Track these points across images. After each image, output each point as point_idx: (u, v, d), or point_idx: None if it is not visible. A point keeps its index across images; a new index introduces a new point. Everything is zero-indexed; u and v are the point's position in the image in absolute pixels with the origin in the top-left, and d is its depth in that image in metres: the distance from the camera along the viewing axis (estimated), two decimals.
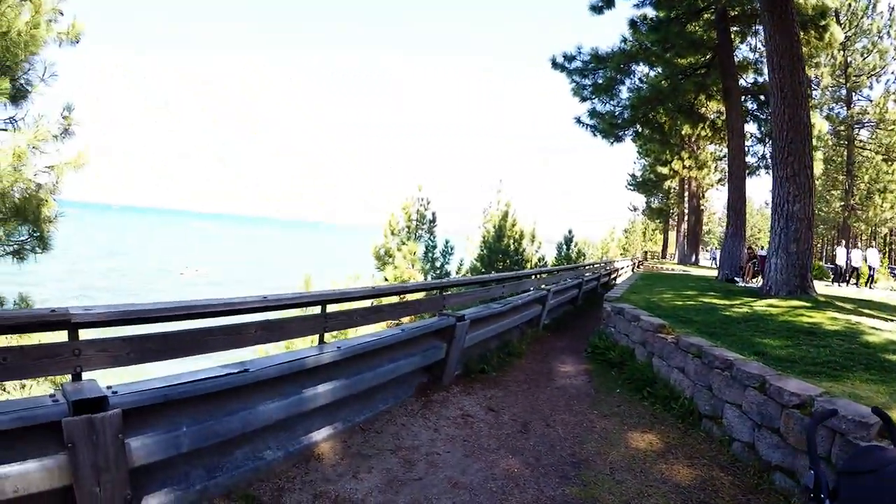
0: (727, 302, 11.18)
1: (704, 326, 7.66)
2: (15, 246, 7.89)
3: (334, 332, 4.90)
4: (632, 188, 47.60)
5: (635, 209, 56.28)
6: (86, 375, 2.82)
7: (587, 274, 16.28)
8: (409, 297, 6.50)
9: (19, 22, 6.75)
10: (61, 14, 7.67)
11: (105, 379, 2.90)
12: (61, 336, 2.76)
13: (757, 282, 17.56)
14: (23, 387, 6.36)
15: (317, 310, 4.10)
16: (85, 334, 2.84)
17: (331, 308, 4.18)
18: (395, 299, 6.58)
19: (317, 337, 4.18)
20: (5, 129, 6.73)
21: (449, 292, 6.27)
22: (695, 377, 5.84)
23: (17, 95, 7.38)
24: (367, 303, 7.23)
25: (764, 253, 15.93)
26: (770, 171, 13.69)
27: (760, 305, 10.46)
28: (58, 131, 7.71)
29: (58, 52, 7.94)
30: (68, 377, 2.79)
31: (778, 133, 12.59)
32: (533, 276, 10.36)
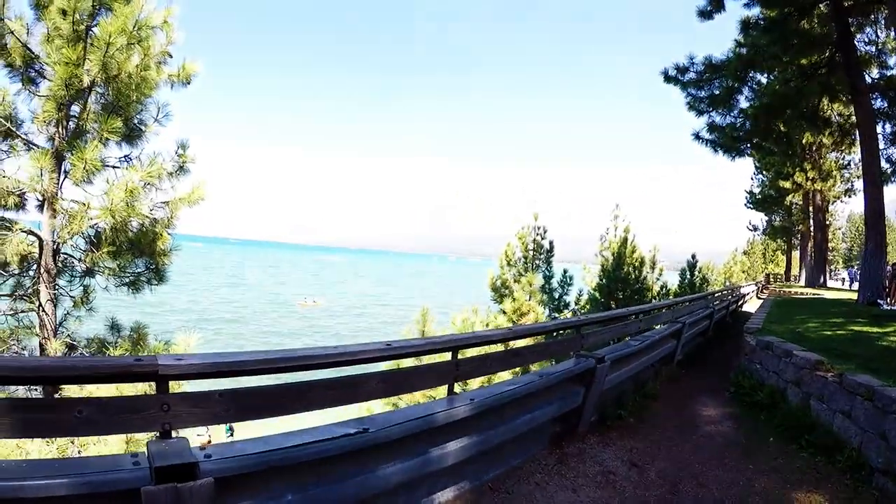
0: (880, 330, 9.76)
1: (865, 361, 6.65)
2: (131, 277, 8.01)
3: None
4: (751, 206, 43.98)
5: (755, 228, 51.91)
6: (176, 434, 2.31)
7: (716, 302, 14.70)
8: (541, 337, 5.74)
9: (129, 65, 6.79)
10: (170, 56, 7.76)
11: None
12: (149, 387, 2.28)
13: None
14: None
15: (446, 356, 3.42)
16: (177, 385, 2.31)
17: (462, 353, 3.49)
18: (529, 340, 5.84)
19: (445, 387, 3.48)
20: (119, 168, 6.71)
21: (588, 330, 5.42)
22: (865, 423, 5.02)
23: (132, 135, 7.49)
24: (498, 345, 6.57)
25: None
26: None
27: None
28: (172, 168, 7.78)
29: (170, 94, 8.12)
30: (155, 434, 2.30)
31: None
32: (666, 308, 9.24)
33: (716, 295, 16.42)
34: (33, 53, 6.60)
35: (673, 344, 8.60)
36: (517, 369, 7.03)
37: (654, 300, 18.19)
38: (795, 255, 47.30)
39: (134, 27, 6.71)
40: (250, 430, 21.33)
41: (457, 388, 3.54)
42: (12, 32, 6.45)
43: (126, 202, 6.32)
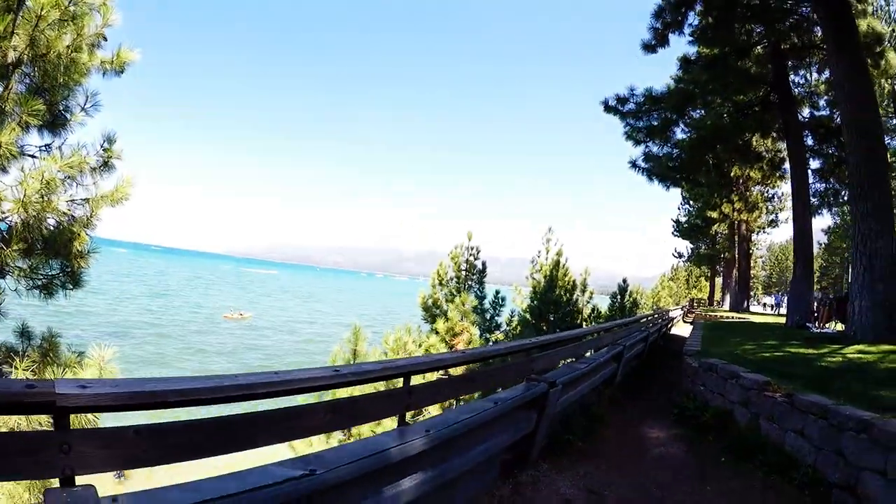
0: (815, 351, 10.13)
1: (808, 381, 6.86)
2: (43, 280, 7.23)
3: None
4: (677, 234, 45.93)
5: (680, 255, 54.21)
6: (82, 479, 1.86)
7: (650, 325, 14.97)
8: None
9: (60, 44, 6.13)
10: (104, 39, 7.10)
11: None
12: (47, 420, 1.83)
13: (831, 326, 16.38)
14: None
15: (397, 382, 3.07)
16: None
17: (415, 380, 3.14)
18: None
19: (395, 417, 3.12)
20: (37, 157, 6.00)
21: (537, 354, 5.19)
22: (819, 441, 5.16)
23: (55, 123, 6.78)
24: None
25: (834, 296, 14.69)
26: (831, 210, 12.74)
27: (851, 352, 9.56)
28: (96, 163, 7.09)
29: (101, 82, 7.41)
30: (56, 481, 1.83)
31: (855, 167, 11.75)
32: (605, 332, 9.26)
33: (649, 318, 16.77)
34: None
35: (614, 367, 8.56)
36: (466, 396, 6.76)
37: (584, 323, 18.48)
38: (718, 281, 49.56)
39: (69, 1, 6.07)
40: (170, 470, 20.15)
41: (409, 418, 3.19)
42: None
43: (41, 195, 5.62)
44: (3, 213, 5.56)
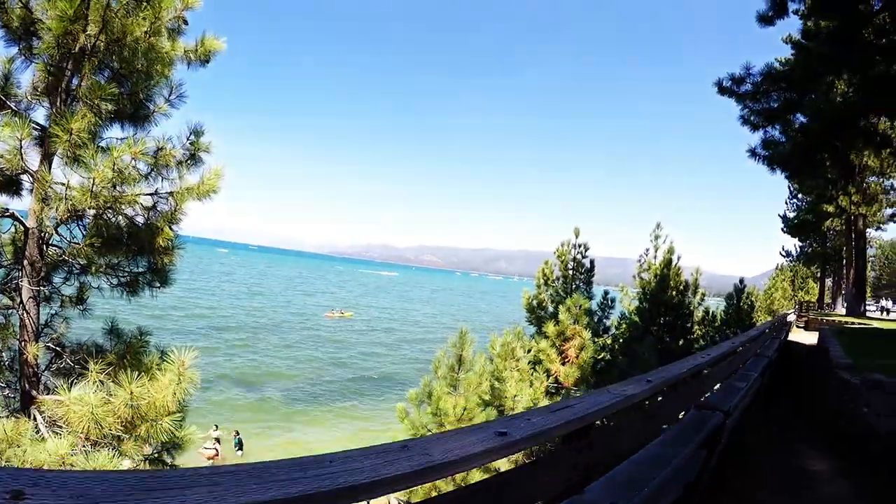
0: None
1: None
2: (127, 277, 6.87)
3: None
4: (786, 231, 42.03)
5: (788, 254, 49.76)
6: None
7: (773, 332, 13.29)
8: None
9: (136, 28, 5.64)
10: (185, 23, 6.63)
11: None
12: None
13: None
14: None
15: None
16: None
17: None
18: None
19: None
20: (106, 149, 5.52)
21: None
22: None
23: (138, 114, 6.38)
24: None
25: None
26: None
27: None
28: (182, 156, 6.65)
29: (185, 73, 6.98)
30: None
31: None
32: (754, 339, 7.92)
33: (775, 325, 14.98)
34: (33, 15, 5.52)
35: (760, 383, 7.24)
36: None
37: (696, 328, 16.79)
38: (829, 282, 45.24)
39: None
40: (265, 442, 20.30)
41: None
42: None
43: (114, 184, 5.14)
44: (74, 204, 5.11)
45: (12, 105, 5.51)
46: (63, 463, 4.53)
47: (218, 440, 18.90)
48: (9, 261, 6.34)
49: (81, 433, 5.05)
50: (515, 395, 9.51)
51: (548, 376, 10.88)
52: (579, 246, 13.67)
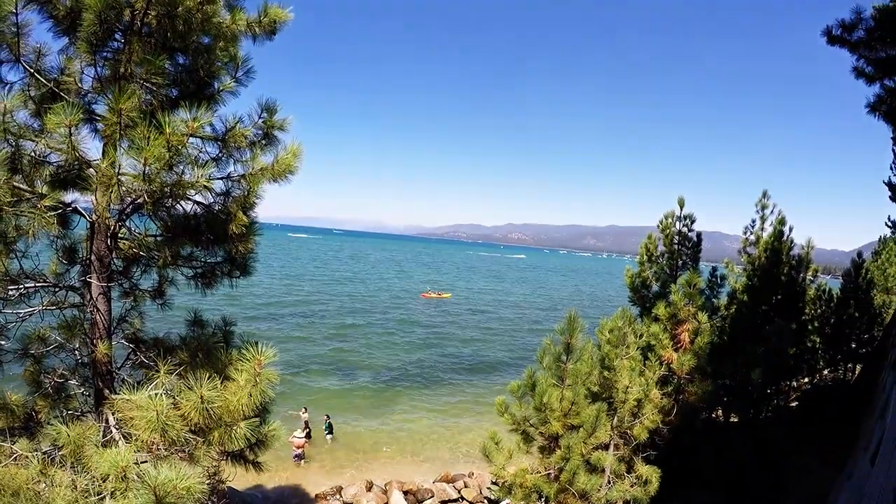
0: None
1: None
2: (202, 268, 6.56)
3: None
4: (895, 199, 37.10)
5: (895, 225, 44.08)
6: None
7: None
8: None
9: None
10: None
11: None
12: None
13: None
14: None
15: None
16: None
17: None
18: None
19: None
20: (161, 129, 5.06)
21: None
22: None
23: (201, 92, 5.94)
24: None
25: None
26: None
27: None
28: (255, 135, 6.19)
29: (251, 47, 6.49)
30: None
31: None
32: None
33: None
34: (77, 1, 5.17)
35: None
36: None
37: (807, 308, 14.93)
38: None
39: None
40: (355, 427, 20.35)
41: None
42: None
43: (170, 166, 4.67)
44: (130, 190, 4.68)
45: (69, 98, 5.21)
46: (125, 476, 4.14)
47: (307, 424, 19.09)
48: (82, 258, 6.19)
49: (148, 440, 4.70)
50: (627, 386, 8.49)
51: (659, 364, 9.74)
52: (684, 218, 12.26)
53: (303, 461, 17.35)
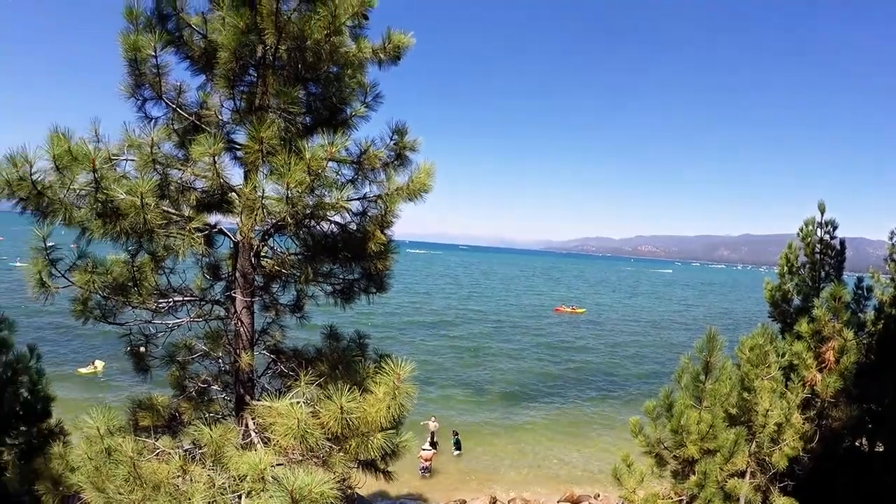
0: None
1: None
2: (341, 285, 6.92)
3: None
4: None
5: None
6: None
7: None
8: None
9: (315, 30, 5.40)
10: (365, 19, 6.36)
11: None
12: None
13: None
14: None
15: None
16: None
17: None
18: None
19: None
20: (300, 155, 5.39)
21: None
22: None
23: (335, 118, 6.30)
24: None
25: None
26: None
27: None
28: (387, 157, 6.49)
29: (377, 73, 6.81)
30: None
31: None
32: None
33: None
34: (210, 41, 5.72)
35: None
36: None
37: None
38: None
39: None
40: (482, 442, 20.37)
41: None
42: (189, 25, 5.78)
43: (311, 189, 4.98)
44: (271, 213, 5.04)
45: (209, 129, 5.70)
46: (263, 478, 4.44)
47: (434, 434, 19.38)
48: (227, 274, 6.74)
49: (286, 447, 5.00)
50: (767, 410, 7.86)
51: (802, 386, 8.90)
52: (826, 224, 11.07)
53: (428, 473, 17.63)
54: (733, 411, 8.38)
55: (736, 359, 8.71)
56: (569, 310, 59.27)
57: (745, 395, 8.17)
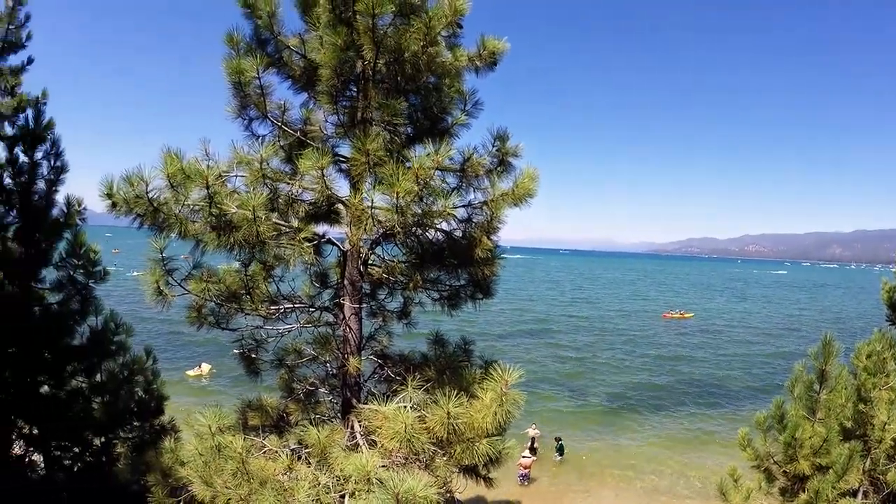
0: None
1: None
2: (447, 291, 7.04)
3: None
4: None
5: None
6: None
7: None
8: None
9: (412, 42, 5.51)
10: (460, 28, 6.43)
11: None
12: None
13: None
14: None
15: None
16: None
17: None
18: None
19: None
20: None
21: None
22: None
23: (436, 128, 6.42)
24: None
25: None
26: None
27: None
28: (490, 163, 6.56)
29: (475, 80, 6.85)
30: None
31: None
32: None
33: None
34: (309, 61, 6.02)
35: None
36: None
37: None
38: None
39: None
40: (585, 449, 19.97)
41: None
42: (288, 46, 6.07)
43: (419, 197, 5.10)
44: (380, 222, 5.20)
45: (315, 144, 5.94)
46: (368, 479, 4.56)
47: (534, 441, 19.23)
48: (335, 282, 7.02)
49: (392, 450, 5.11)
50: (885, 423, 7.15)
51: None
52: None
53: (527, 481, 17.45)
54: (848, 424, 7.67)
55: (852, 367, 7.99)
56: (677, 314, 57.72)
57: (861, 406, 7.46)
